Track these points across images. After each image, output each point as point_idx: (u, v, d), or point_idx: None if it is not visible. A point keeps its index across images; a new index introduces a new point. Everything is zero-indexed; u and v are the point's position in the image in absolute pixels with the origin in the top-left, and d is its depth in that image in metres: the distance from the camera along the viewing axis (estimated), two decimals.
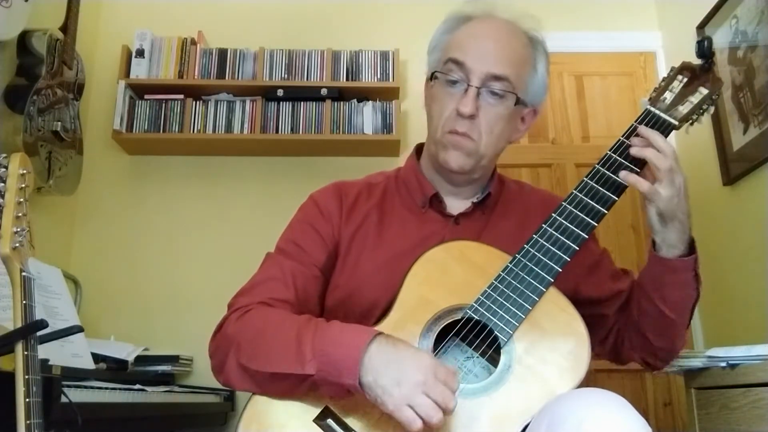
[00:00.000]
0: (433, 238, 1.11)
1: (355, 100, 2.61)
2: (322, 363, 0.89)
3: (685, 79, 1.10)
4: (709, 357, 1.39)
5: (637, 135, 1.03)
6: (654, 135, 1.01)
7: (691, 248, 1.05)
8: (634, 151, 1.01)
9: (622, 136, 1.06)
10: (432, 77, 1.14)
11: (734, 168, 2.25)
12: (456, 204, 1.17)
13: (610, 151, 1.05)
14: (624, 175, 1.01)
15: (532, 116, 1.19)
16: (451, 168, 1.12)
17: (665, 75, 1.13)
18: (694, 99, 1.08)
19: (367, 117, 2.58)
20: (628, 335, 1.14)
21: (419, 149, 1.25)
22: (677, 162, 1.00)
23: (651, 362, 1.16)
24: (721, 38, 2.34)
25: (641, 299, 1.09)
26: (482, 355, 0.98)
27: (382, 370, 0.86)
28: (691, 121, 1.09)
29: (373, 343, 0.89)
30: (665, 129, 1.05)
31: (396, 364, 0.86)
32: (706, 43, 1.11)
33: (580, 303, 1.11)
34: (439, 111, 1.12)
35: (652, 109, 1.07)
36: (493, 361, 0.96)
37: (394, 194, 1.20)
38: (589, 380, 0.94)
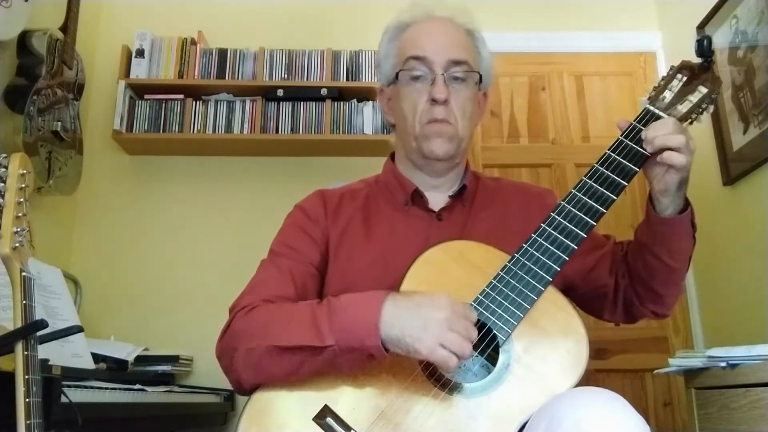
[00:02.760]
0: (419, 234, 1.14)
1: (355, 100, 2.61)
2: (341, 332, 0.90)
3: (685, 78, 1.10)
4: (709, 357, 1.39)
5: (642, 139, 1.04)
6: (653, 130, 1.02)
7: (686, 200, 1.10)
8: (650, 150, 1.02)
9: (621, 136, 1.06)
10: (396, 78, 1.19)
11: (734, 168, 2.25)
12: (436, 199, 1.20)
13: (609, 150, 1.05)
14: (659, 158, 1.01)
15: (484, 100, 1.26)
16: (437, 156, 1.16)
17: (665, 74, 1.13)
18: (694, 98, 1.08)
19: (367, 117, 2.58)
20: (637, 294, 1.18)
21: (393, 155, 1.29)
22: (684, 129, 1.03)
23: (660, 311, 1.21)
24: (721, 38, 2.34)
25: (647, 258, 1.13)
26: (481, 354, 0.98)
27: (406, 320, 0.89)
28: (690, 120, 1.08)
29: (387, 301, 0.91)
30: None
31: (417, 311, 0.90)
32: (705, 41, 1.11)
33: (574, 284, 1.16)
34: (411, 107, 1.16)
35: (651, 108, 1.07)
36: (492, 360, 0.96)
37: (377, 196, 1.23)
38: (589, 380, 0.94)
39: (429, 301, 0.91)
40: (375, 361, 0.92)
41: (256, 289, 1.09)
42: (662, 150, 1.01)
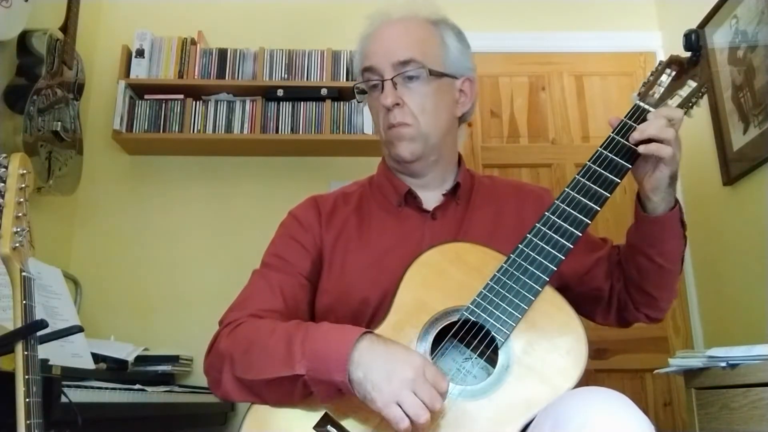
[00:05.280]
0: (414, 234, 1.14)
1: (355, 100, 2.60)
2: (311, 361, 0.90)
3: (674, 73, 1.10)
4: (709, 357, 1.39)
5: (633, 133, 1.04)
6: (645, 125, 1.02)
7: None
8: (636, 135, 1.02)
9: (612, 133, 1.06)
10: (359, 93, 1.21)
11: (734, 168, 2.25)
12: (429, 198, 1.19)
13: (601, 148, 1.05)
14: (644, 147, 1.01)
15: (469, 86, 1.23)
16: (405, 158, 1.16)
17: (653, 69, 1.12)
18: (683, 92, 1.08)
19: (367, 117, 2.57)
20: (631, 297, 1.18)
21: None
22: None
23: (653, 315, 1.20)
24: (721, 38, 2.34)
25: (638, 259, 1.12)
26: (481, 356, 0.98)
27: (372, 365, 0.87)
28: None
29: (363, 340, 0.90)
30: None
31: (386, 361, 0.87)
32: (693, 35, 1.10)
33: (569, 285, 1.15)
34: (376, 116, 1.19)
35: (642, 104, 1.07)
36: (492, 361, 0.96)
37: (369, 199, 1.23)
38: (589, 380, 0.94)
39: (403, 356, 0.88)
40: (345, 397, 0.90)
41: (244, 304, 1.09)
42: (650, 140, 1.01)
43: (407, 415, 0.84)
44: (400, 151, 1.15)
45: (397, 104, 1.13)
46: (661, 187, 1.05)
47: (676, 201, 1.09)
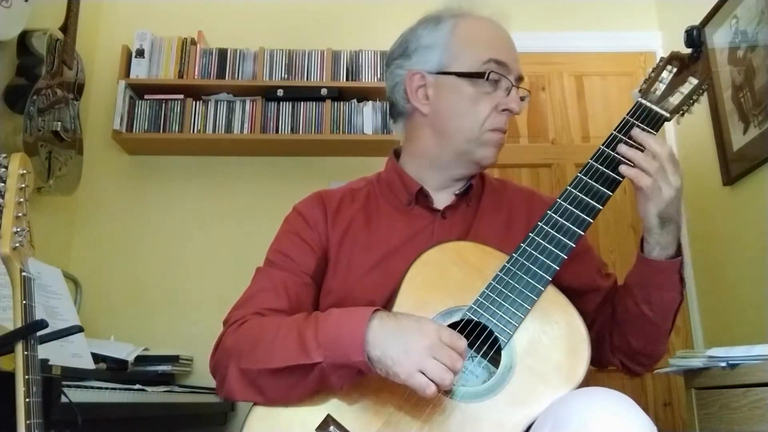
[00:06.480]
0: (422, 233, 1.13)
1: (355, 100, 2.61)
2: (327, 348, 0.90)
3: (675, 69, 1.09)
4: (709, 357, 1.39)
5: (632, 138, 1.02)
6: (648, 139, 1.00)
7: (679, 249, 1.05)
8: (622, 150, 1.01)
9: (614, 130, 1.04)
10: (473, 76, 1.12)
11: (734, 168, 2.25)
12: (441, 198, 1.17)
13: (603, 146, 1.04)
14: (624, 169, 1.00)
15: None
16: (489, 164, 1.16)
17: (654, 65, 1.11)
18: (684, 89, 1.07)
19: (367, 117, 2.58)
20: (609, 337, 1.13)
21: (396, 152, 1.25)
22: (673, 162, 0.99)
23: (631, 367, 1.15)
24: (721, 38, 2.34)
25: (626, 300, 1.09)
26: (483, 356, 0.98)
27: (388, 341, 0.88)
28: (682, 112, 1.07)
29: (374, 319, 0.90)
30: (657, 121, 1.03)
31: (401, 334, 0.88)
32: (695, 32, 1.09)
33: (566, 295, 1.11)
34: (475, 110, 1.12)
35: (644, 101, 1.06)
36: (494, 361, 0.96)
37: (378, 196, 1.21)
38: (589, 380, 0.94)
39: (415, 326, 0.89)
40: (365, 377, 0.91)
41: (248, 303, 1.08)
42: (629, 159, 0.99)
43: (433, 381, 0.85)
44: (490, 155, 1.14)
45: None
46: (651, 228, 1.01)
47: (680, 253, 1.04)
